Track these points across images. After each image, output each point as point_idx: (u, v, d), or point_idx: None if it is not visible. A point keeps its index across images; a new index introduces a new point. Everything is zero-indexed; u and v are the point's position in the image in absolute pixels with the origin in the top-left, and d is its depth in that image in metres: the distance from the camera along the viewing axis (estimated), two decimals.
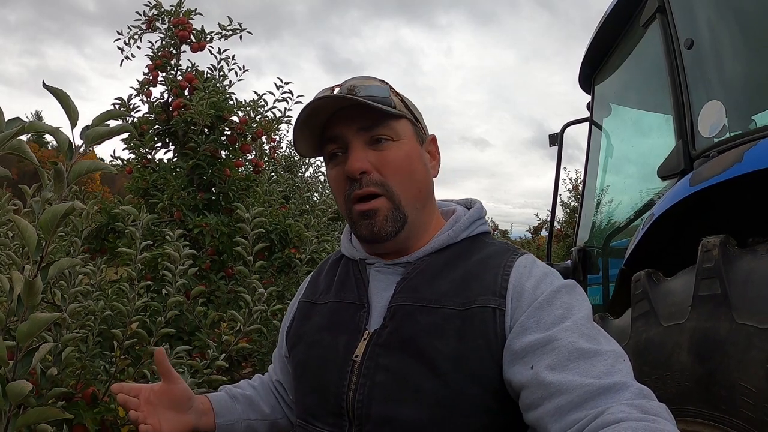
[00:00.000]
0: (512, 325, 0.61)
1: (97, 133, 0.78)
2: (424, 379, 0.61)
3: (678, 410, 0.87)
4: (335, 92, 0.69)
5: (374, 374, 0.63)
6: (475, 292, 0.64)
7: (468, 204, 0.79)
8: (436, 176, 0.76)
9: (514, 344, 0.59)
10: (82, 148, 0.81)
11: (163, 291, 1.68)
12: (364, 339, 0.66)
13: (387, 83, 0.72)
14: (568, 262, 1.94)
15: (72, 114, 0.79)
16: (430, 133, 0.77)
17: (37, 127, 0.80)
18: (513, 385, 0.58)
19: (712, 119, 1.15)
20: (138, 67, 2.52)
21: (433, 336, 0.62)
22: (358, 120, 0.68)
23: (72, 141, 0.79)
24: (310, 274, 0.85)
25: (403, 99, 0.73)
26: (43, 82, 0.80)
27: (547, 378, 0.54)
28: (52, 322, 0.81)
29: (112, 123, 0.81)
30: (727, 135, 1.12)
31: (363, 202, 0.68)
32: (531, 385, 0.56)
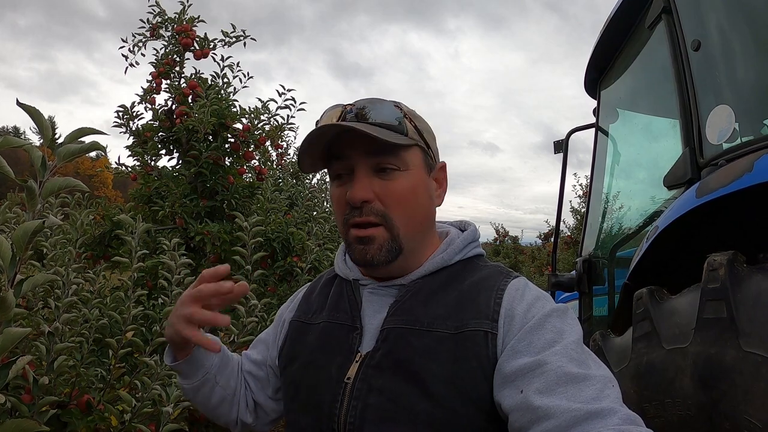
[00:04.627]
0: (503, 349, 0.61)
1: (68, 150, 0.77)
2: (418, 400, 0.61)
3: None
4: (347, 110, 0.68)
5: (366, 396, 0.63)
6: (468, 316, 0.64)
7: (462, 226, 0.79)
8: (440, 205, 0.75)
9: (504, 367, 0.59)
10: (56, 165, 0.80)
11: (160, 299, 1.68)
12: (356, 361, 0.66)
13: (401, 108, 0.70)
14: (574, 272, 1.87)
15: (45, 131, 0.78)
16: (440, 160, 0.76)
17: (12, 142, 0.79)
18: (503, 408, 0.58)
19: (720, 125, 1.09)
20: (146, 73, 2.54)
21: (427, 358, 0.62)
22: (366, 144, 0.66)
23: (45, 157, 0.79)
24: (302, 291, 0.84)
25: (417, 125, 0.70)
26: (17, 100, 0.79)
27: (536, 402, 0.54)
28: (28, 335, 0.80)
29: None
30: (739, 141, 1.06)
31: (361, 228, 0.67)
32: (520, 409, 0.56)
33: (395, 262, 0.68)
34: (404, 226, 0.67)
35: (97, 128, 0.80)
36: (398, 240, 0.67)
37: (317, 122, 0.71)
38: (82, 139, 0.79)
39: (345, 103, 0.70)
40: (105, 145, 0.79)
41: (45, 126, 0.76)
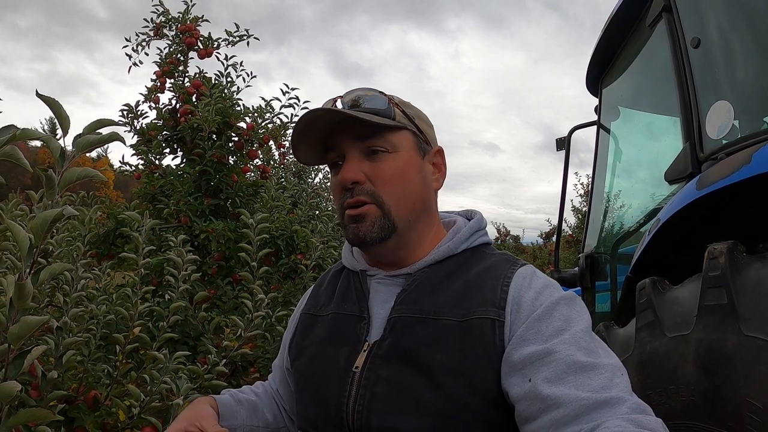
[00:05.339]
0: (511, 337, 0.61)
1: (87, 141, 0.79)
2: (425, 389, 0.61)
3: (683, 425, 0.83)
4: (337, 104, 0.71)
5: (374, 385, 0.64)
6: (474, 304, 0.64)
7: (469, 215, 0.79)
8: (439, 188, 0.76)
9: (512, 356, 0.59)
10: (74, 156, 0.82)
11: (166, 296, 1.69)
12: (364, 350, 0.67)
13: (387, 95, 0.73)
14: (577, 268, 1.90)
15: (63, 122, 0.80)
16: (437, 145, 0.77)
17: (29, 134, 0.81)
18: (510, 396, 0.58)
19: (720, 120, 1.11)
20: (148, 72, 2.56)
21: (434, 347, 0.62)
22: (355, 130, 0.69)
23: (63, 148, 0.80)
24: (312, 287, 0.85)
25: (405, 110, 0.73)
26: (37, 91, 0.81)
27: (544, 391, 0.54)
28: (42, 325, 0.81)
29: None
30: (739, 136, 1.08)
31: (353, 208, 0.69)
32: (528, 398, 0.56)
33: (389, 241, 0.69)
34: (395, 204, 0.69)
35: (87, 129, 0.81)
36: (390, 217, 0.69)
37: None
38: (99, 130, 0.81)
39: (336, 96, 0.73)
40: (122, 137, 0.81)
41: (63, 117, 0.78)
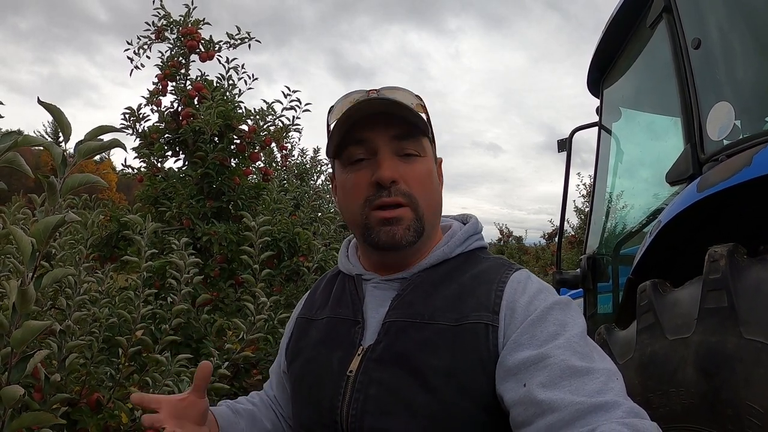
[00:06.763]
0: (505, 342, 0.61)
1: (89, 147, 0.80)
2: (417, 392, 0.61)
3: (683, 428, 0.83)
4: (372, 95, 0.69)
5: (367, 388, 0.64)
6: (468, 308, 0.64)
7: (464, 219, 0.80)
8: None
9: (506, 361, 0.59)
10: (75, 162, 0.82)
11: (169, 299, 1.70)
12: (359, 354, 0.67)
13: (419, 97, 0.73)
14: (579, 270, 1.89)
15: (65, 129, 0.80)
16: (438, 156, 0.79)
17: (31, 141, 0.82)
18: (505, 401, 0.58)
19: (720, 121, 1.10)
20: (149, 75, 2.58)
21: (426, 351, 0.62)
22: (393, 128, 0.68)
23: (65, 155, 0.81)
24: (309, 290, 0.86)
25: (428, 116, 0.73)
26: (38, 98, 0.81)
27: (539, 396, 0.54)
28: (45, 329, 0.82)
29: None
30: (741, 137, 1.08)
31: (387, 210, 0.67)
32: (523, 403, 0.55)
33: (416, 244, 0.69)
34: (426, 208, 0.69)
35: (88, 135, 0.82)
36: (422, 221, 0.68)
37: (331, 109, 0.74)
38: (101, 137, 0.82)
39: (367, 89, 0.71)
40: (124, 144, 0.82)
41: (65, 124, 0.79)
